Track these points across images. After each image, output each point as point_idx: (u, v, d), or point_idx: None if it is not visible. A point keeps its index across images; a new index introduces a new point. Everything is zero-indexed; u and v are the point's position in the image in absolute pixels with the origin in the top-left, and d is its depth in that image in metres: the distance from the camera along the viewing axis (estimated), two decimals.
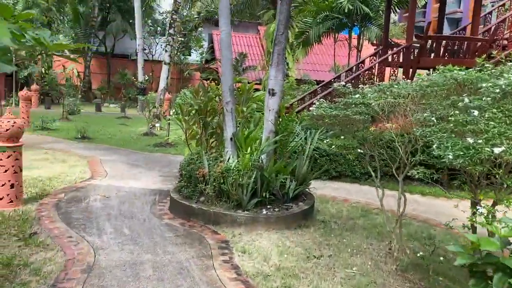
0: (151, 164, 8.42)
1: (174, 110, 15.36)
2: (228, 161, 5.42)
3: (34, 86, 20.64)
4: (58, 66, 28.90)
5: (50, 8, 22.83)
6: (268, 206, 5.19)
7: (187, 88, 23.48)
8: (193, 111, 6.59)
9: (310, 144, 5.53)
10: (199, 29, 27.39)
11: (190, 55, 28.40)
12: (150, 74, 25.52)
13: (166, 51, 14.69)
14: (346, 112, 3.80)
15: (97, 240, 4.29)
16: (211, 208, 4.96)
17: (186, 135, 6.52)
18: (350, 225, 5.35)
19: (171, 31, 14.64)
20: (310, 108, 4.53)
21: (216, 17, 31.92)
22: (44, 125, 12.63)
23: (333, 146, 4.18)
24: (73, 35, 28.59)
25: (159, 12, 28.92)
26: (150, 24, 28.96)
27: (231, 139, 5.64)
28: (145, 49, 25.58)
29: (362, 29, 12.67)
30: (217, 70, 24.19)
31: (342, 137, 3.97)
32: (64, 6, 27.28)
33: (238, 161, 5.27)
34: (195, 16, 26.52)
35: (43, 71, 22.41)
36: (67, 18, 29.32)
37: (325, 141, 4.84)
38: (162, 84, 14.77)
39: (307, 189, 5.79)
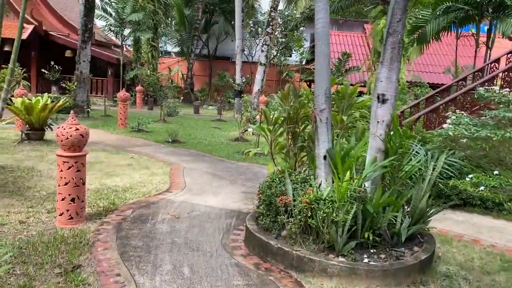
0: (235, 176, 7.53)
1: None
2: (319, 187, 4.23)
3: (139, 87, 21.42)
4: (164, 69, 30.25)
5: (156, 12, 23.59)
6: (372, 251, 3.89)
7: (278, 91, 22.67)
8: (281, 119, 5.51)
9: (433, 170, 4.08)
10: (301, 28, 26.38)
11: (290, 56, 27.59)
12: (248, 76, 25.17)
13: (262, 51, 13.88)
14: (506, 135, 2.37)
15: (147, 284, 3.41)
16: (295, 250, 3.80)
17: (271, 147, 5.46)
18: (487, 285, 3.82)
19: (269, 29, 13.79)
20: (443, 125, 3.15)
21: None
22: (139, 126, 12.60)
23: (482, 188, 2.77)
24: (178, 37, 29.51)
25: (261, 12, 28.53)
26: (252, 25, 28.71)
27: (324, 157, 4.45)
28: (244, 50, 25.27)
29: (495, 21, 10.47)
30: None
31: (496, 171, 2.55)
32: (171, 10, 28.26)
33: (332, 189, 4.05)
34: (297, 15, 25.57)
35: (149, 73, 23.20)
36: (173, 21, 30.41)
37: (467, 179, 3.37)
38: (256, 87, 14.01)
39: (425, 228, 4.35)
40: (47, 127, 9.14)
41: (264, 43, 13.55)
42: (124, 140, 10.94)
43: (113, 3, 21.02)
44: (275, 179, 4.62)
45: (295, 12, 26.99)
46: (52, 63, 20.82)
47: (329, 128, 4.53)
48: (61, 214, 4.57)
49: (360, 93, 20.24)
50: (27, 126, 9.03)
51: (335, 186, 3.99)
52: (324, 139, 4.47)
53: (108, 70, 22.16)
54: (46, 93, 9.28)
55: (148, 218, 4.96)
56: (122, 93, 12.99)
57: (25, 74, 18.07)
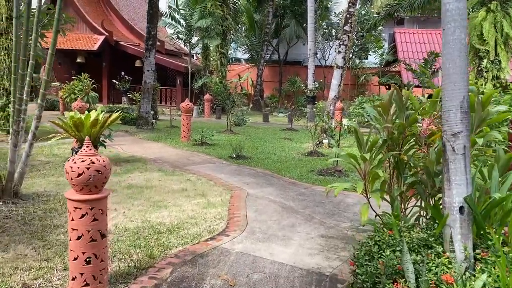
0: (310, 209, 5.95)
1: (345, 122, 12.82)
2: (458, 263, 2.55)
3: (206, 96, 20.62)
4: (234, 76, 29.47)
5: (225, 18, 22.71)
6: None
7: (363, 95, 20.49)
8: (379, 142, 3.89)
9: None
10: (379, 28, 24.15)
11: (367, 58, 25.45)
12: (321, 80, 23.42)
13: (339, 52, 12.18)
14: None
15: None
16: None
17: (365, 184, 3.84)
18: None
19: (347, 27, 12.06)
20: None
21: (399, 13, 28.15)
22: (203, 139, 11.48)
23: None
24: (247, 43, 28.58)
25: (334, 13, 26.67)
26: (325, 27, 26.95)
27: (460, 209, 2.76)
28: (316, 54, 23.60)
29: None
30: (399, 73, 20.62)
31: None
32: (240, 15, 27.40)
33: (488, 271, 2.35)
34: (375, 14, 23.41)
35: (218, 81, 22.34)
36: (243, 27, 29.56)
37: None
38: (332, 93, 12.32)
39: None
40: (99, 144, 8.24)
41: (341, 43, 11.84)
42: (184, 156, 9.82)
43: (181, 10, 20.45)
44: (378, 241, 2.99)
45: (372, 10, 24.86)
46: (123, 73, 20.71)
47: (468, 162, 2.82)
48: (73, 279, 3.32)
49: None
50: (78, 143, 8.18)
51: (495, 275, 2.27)
52: (461, 180, 2.78)
53: (177, 79, 21.64)
54: (100, 106, 8.38)
55: (191, 285, 3.55)
56: (185, 104, 11.98)
57: (94, 85, 17.93)
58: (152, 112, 17.23)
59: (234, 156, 9.65)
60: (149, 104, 13.66)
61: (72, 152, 8.18)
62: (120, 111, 8.64)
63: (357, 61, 25.31)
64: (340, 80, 12.28)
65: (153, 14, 13.22)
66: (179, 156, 9.69)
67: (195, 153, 10.25)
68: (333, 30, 26.92)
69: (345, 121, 13.26)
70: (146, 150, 10.38)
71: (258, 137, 13.65)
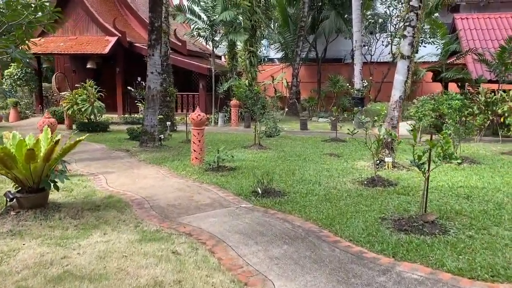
0: None
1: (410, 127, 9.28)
2: None
3: (233, 102, 17.60)
4: (267, 77, 26.36)
5: (254, 11, 19.63)
6: None
7: (419, 97, 16.77)
8: None
9: None
10: (435, 15, 20.33)
11: (417, 51, 21.63)
12: (370, 78, 19.95)
13: (403, 36, 8.79)
14: None
15: None
16: None
17: None
18: None
19: (414, 2, 8.65)
20: None
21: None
22: (219, 161, 8.41)
23: None
24: (281, 41, 25.42)
25: (381, 1, 22.99)
26: (370, 17, 23.34)
27: None
28: (364, 45, 20.09)
29: None
30: (465, 66, 16.78)
31: None
32: (273, 10, 24.31)
33: None
34: None
35: (248, 83, 19.28)
36: (276, 23, 26.44)
37: None
38: (396, 93, 8.93)
39: None
40: (47, 185, 5.31)
41: (406, 23, 8.49)
42: (188, 192, 6.77)
43: (201, 2, 17.56)
44: None
45: None
46: (139, 78, 18.04)
47: None
48: None
49: None
50: (16, 185, 5.31)
51: None
52: None
53: (200, 83, 18.77)
54: (47, 129, 5.46)
55: None
56: (195, 115, 8.92)
57: (100, 94, 15.30)
58: (169, 123, 14.43)
59: (259, 191, 6.49)
60: (155, 115, 10.76)
61: (6, 201, 5.29)
62: (78, 139, 5.66)
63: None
64: (407, 74, 8.87)
65: (156, 0, 10.31)
66: (180, 194, 6.64)
67: (204, 185, 7.17)
68: (380, 20, 23.28)
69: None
70: (137, 182, 7.42)
71: (295, 154, 10.44)
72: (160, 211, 5.68)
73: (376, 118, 8.89)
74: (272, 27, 26.59)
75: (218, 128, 17.13)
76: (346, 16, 23.36)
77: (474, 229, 4.95)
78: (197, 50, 22.30)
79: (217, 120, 17.73)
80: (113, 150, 11.00)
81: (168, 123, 14.64)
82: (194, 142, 8.89)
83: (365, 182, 7.40)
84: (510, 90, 13.49)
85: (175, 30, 20.68)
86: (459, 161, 4.75)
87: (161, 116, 13.80)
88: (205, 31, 17.36)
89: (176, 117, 16.76)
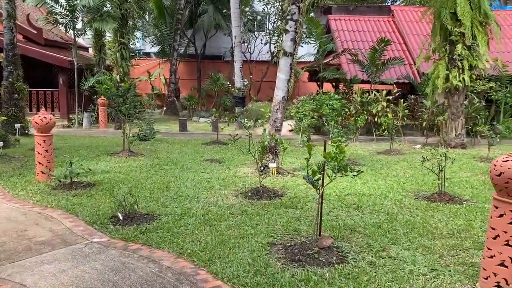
0: None
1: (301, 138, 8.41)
2: None
3: (101, 100, 15.51)
4: (143, 73, 24.36)
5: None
6: None
7: (298, 96, 16.68)
8: None
9: None
10: (311, 14, 20.70)
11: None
12: (250, 77, 19.48)
13: (285, 31, 8.11)
14: None
15: None
16: None
17: None
18: None
19: None
20: None
21: (326, 0, 24.97)
22: (72, 176, 6.72)
23: None
24: (157, 34, 23.69)
25: None
26: (248, 14, 22.92)
27: None
28: (244, 42, 19.50)
29: None
30: (341, 66, 17.21)
31: None
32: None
33: None
34: None
35: (119, 79, 17.25)
36: (152, 14, 24.62)
37: None
38: (280, 93, 8.23)
39: None
40: None
41: (288, 17, 7.82)
42: (22, 222, 5.08)
43: None
44: None
45: None
46: None
47: None
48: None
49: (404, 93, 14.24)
50: None
51: None
52: None
53: (60, 78, 16.20)
54: None
55: None
56: (39, 117, 6.97)
57: None
58: (18, 126, 11.98)
59: (121, 217, 5.10)
60: None
61: None
62: None
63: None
64: (290, 73, 8.22)
65: None
66: (8, 226, 4.92)
67: (47, 211, 5.50)
68: (258, 17, 23.05)
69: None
70: None
71: (171, 161, 9.16)
72: None
73: (260, 120, 8.12)
74: (147, 19, 24.71)
75: (83, 130, 14.93)
76: (224, 11, 22.62)
77: (373, 252, 4.30)
78: (58, 40, 19.42)
79: (82, 121, 15.49)
80: None
81: (18, 125, 12.14)
82: (39, 153, 7.02)
83: (249, 194, 6.49)
84: (383, 90, 14.01)
85: (28, 15, 17.66)
86: (355, 173, 3.99)
87: (4, 118, 11.31)
88: (63, 18, 14.95)
89: (29, 118, 14.11)
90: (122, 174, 7.71)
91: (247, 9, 22.85)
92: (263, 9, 22.88)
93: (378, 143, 12.74)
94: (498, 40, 11.33)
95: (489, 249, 3.34)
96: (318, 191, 4.19)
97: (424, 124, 13.35)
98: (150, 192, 6.51)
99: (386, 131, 12.41)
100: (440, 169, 6.49)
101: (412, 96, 14.79)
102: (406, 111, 13.07)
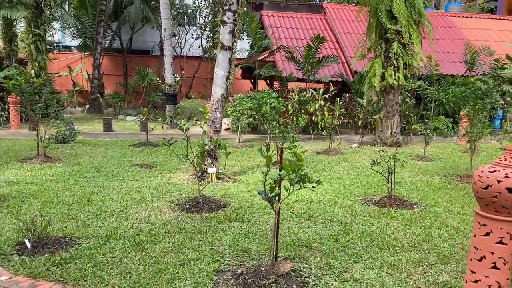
0: None
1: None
2: None
3: (13, 98, 13.70)
4: (63, 68, 22.32)
5: None
6: None
7: (235, 94, 15.93)
8: None
9: None
10: (243, 9, 20.09)
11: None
12: (182, 73, 18.48)
13: (223, 23, 7.40)
14: None
15: None
16: None
17: None
18: None
19: None
20: None
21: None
22: None
23: None
24: (78, 26, 21.83)
25: None
26: (178, 7, 21.83)
27: None
28: (175, 35, 18.44)
29: None
30: (275, 63, 16.82)
31: None
32: None
33: None
34: None
35: (34, 74, 15.47)
36: (72, 3, 22.67)
37: None
38: (218, 90, 7.49)
39: None
40: None
41: (226, 7, 7.13)
42: None
43: None
44: None
45: None
46: None
47: None
48: None
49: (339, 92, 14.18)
50: None
51: None
52: None
53: None
54: None
55: None
56: None
57: None
58: None
59: (29, 244, 4.10)
60: None
61: None
62: None
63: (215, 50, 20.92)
64: (229, 69, 7.53)
65: None
66: None
67: None
68: (189, 11, 22.03)
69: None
70: None
71: (94, 167, 8.06)
72: None
73: (194, 119, 7.33)
74: (66, 9, 22.70)
75: None
76: (152, 3, 21.34)
77: (336, 274, 3.76)
78: None
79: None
80: None
81: None
82: None
83: (187, 206, 5.71)
84: (320, 88, 13.80)
85: None
86: (314, 185, 3.42)
87: None
88: None
89: None
90: (34, 185, 6.55)
91: (176, 1, 21.74)
92: (194, 2, 21.92)
93: (316, 142, 12.50)
94: (431, 39, 11.48)
95: (472, 272, 2.92)
96: (274, 207, 3.56)
97: (359, 122, 13.34)
98: (68, 207, 5.49)
99: (324, 130, 12.19)
100: (390, 172, 6.18)
101: (347, 95, 14.78)
102: (343, 110, 12.96)
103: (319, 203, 6.06)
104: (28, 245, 4.07)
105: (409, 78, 12.54)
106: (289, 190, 3.60)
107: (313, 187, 3.66)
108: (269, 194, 3.42)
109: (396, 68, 11.68)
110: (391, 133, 12.13)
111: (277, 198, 3.56)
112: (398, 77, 11.67)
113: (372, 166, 6.14)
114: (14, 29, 15.48)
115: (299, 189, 3.63)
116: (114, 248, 4.22)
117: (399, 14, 11.12)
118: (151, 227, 4.86)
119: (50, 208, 5.41)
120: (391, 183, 6.22)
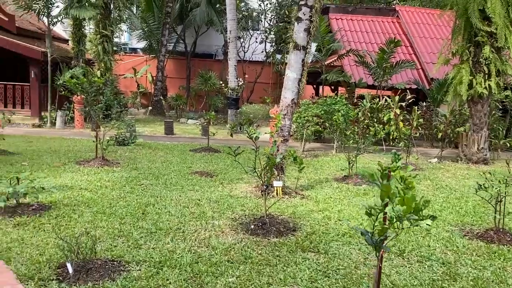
0: None
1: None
2: None
3: (77, 98, 13.75)
4: (129, 69, 22.64)
5: None
6: None
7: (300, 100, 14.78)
8: None
9: None
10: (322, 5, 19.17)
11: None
12: (246, 76, 17.94)
13: (298, 19, 6.57)
14: None
15: None
16: None
17: None
18: None
19: None
20: None
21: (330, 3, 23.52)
22: (16, 197, 5.05)
23: None
24: (144, 28, 22.03)
25: None
26: (243, 10, 21.36)
27: None
28: (240, 38, 17.92)
29: None
30: (343, 68, 15.72)
31: None
32: None
33: None
34: None
35: (99, 74, 15.53)
36: (140, 6, 22.97)
37: None
38: (289, 94, 6.67)
39: None
40: None
41: (302, 2, 6.27)
42: None
43: None
44: None
45: None
46: None
47: None
48: None
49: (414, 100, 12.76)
50: None
51: None
52: None
53: (31, 71, 14.41)
54: None
55: None
56: None
57: None
58: None
59: (71, 270, 3.48)
60: None
61: None
62: None
63: (278, 56, 20.21)
64: (302, 70, 6.69)
65: None
66: None
67: None
68: (254, 14, 21.51)
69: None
70: None
71: (152, 174, 7.53)
72: None
73: (257, 125, 6.55)
74: (134, 11, 23.02)
75: (55, 131, 13.20)
76: (218, 6, 21.05)
77: None
78: (34, 30, 17.60)
79: (55, 120, 13.76)
80: None
81: None
82: None
83: (252, 227, 4.93)
84: (395, 96, 12.58)
85: (3, 3, 15.89)
86: (429, 222, 2.46)
87: None
88: (37, 3, 13.20)
89: None
90: (88, 192, 6.08)
91: (242, 4, 21.30)
92: (259, 5, 21.36)
93: (389, 155, 11.28)
94: None
95: None
96: (377, 253, 2.65)
97: (440, 135, 11.95)
98: (120, 221, 4.90)
99: (397, 141, 11.00)
100: (499, 199, 5.02)
101: (424, 103, 13.41)
102: (421, 119, 11.66)
103: (408, 232, 5.03)
104: (70, 270, 3.46)
105: (501, 87, 11.01)
106: (397, 229, 2.68)
107: (427, 224, 2.72)
108: (377, 238, 2.52)
109: (486, 76, 10.24)
110: (477, 148, 10.67)
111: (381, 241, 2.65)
112: (489, 85, 10.23)
113: (476, 192, 5.02)
114: (83, 29, 15.68)
115: (409, 226, 2.70)
116: (168, 280, 3.51)
117: (494, 14, 9.72)
118: (212, 253, 4.11)
119: (101, 220, 4.85)
120: (501, 213, 5.05)
